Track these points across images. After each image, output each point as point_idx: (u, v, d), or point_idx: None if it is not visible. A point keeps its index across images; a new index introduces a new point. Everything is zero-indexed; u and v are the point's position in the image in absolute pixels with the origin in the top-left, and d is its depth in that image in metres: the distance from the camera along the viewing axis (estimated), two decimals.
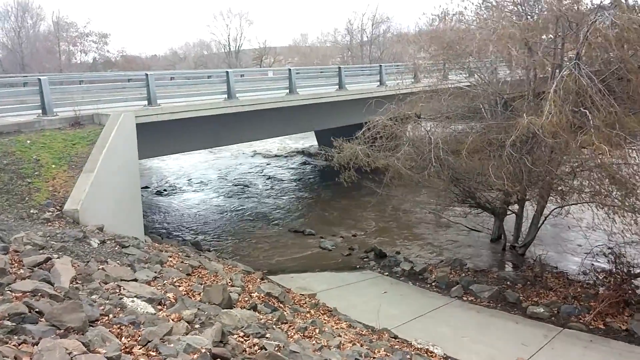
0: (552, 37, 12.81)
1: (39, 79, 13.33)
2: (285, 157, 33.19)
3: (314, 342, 7.25)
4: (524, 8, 13.66)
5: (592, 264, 12.07)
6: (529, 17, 13.37)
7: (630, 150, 10.89)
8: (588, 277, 12.03)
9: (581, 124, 10.63)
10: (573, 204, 12.34)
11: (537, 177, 11.87)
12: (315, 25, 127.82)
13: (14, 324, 4.41)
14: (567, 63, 11.49)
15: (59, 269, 6.25)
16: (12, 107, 13.26)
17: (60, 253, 7.13)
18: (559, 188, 12.37)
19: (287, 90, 19.04)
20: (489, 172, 11.34)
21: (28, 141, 11.59)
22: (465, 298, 11.77)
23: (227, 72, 17.35)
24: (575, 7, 11.97)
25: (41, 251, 6.92)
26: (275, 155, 33.77)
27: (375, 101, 14.44)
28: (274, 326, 7.25)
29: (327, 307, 10.64)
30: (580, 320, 10.32)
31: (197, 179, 27.54)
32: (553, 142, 10.49)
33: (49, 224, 9.16)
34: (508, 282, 12.28)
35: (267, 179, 26.92)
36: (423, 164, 12.86)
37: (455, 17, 14.74)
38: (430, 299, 11.75)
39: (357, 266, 14.24)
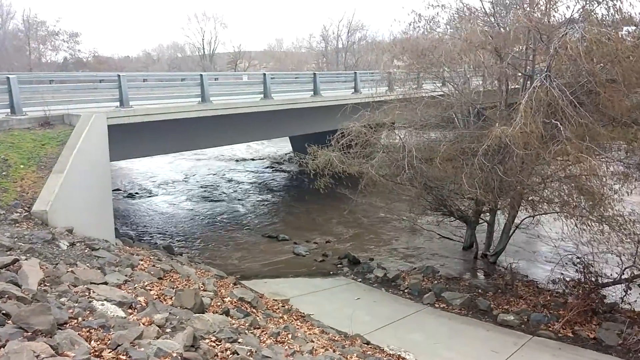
0: (523, 48, 13.09)
1: (8, 78, 12.95)
2: (258, 161, 33.12)
3: (286, 347, 7.19)
4: (495, 19, 13.93)
5: (562, 273, 12.34)
6: (500, 28, 13.63)
7: (599, 162, 11.17)
8: (557, 286, 12.28)
9: (552, 135, 10.88)
10: (543, 214, 12.59)
11: (509, 187, 12.09)
12: (291, 30, 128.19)
13: None
14: (538, 75, 11.74)
15: (27, 271, 6.07)
16: None
17: (28, 255, 6.93)
18: (530, 198, 12.62)
19: (262, 95, 18.96)
20: (462, 180, 11.50)
21: None
22: (437, 305, 11.87)
23: (201, 75, 17.19)
24: (546, 20, 12.26)
25: (8, 252, 6.71)
26: (249, 160, 33.67)
27: (350, 108, 14.50)
28: (247, 331, 7.17)
29: (300, 312, 10.60)
30: (550, 328, 10.51)
31: (168, 182, 27.24)
32: (524, 152, 10.68)
33: (17, 225, 8.88)
34: (479, 290, 12.45)
35: (239, 183, 26.78)
36: (396, 171, 12.96)
37: (427, 26, 14.90)
38: (403, 306, 11.81)
39: (331, 272, 14.24)
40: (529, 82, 12.49)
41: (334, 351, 7.82)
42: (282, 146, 36.02)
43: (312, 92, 21.14)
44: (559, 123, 10.50)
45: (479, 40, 12.20)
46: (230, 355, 5.44)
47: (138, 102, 15.43)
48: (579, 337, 10.21)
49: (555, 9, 12.38)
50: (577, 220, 11.03)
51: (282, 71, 46.30)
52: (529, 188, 12.22)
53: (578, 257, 11.62)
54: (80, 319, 5.23)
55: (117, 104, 14.60)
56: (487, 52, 12.88)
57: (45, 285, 6.04)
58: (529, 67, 12.83)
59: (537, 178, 12.33)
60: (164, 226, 19.09)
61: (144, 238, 17.12)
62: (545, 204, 12.18)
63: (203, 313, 7.15)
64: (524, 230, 14.21)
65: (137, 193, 24.52)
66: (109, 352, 4.56)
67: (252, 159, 33.89)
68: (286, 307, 10.81)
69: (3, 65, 39.69)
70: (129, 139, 15.21)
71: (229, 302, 9.00)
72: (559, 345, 9.90)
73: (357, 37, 56.34)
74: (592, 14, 11.60)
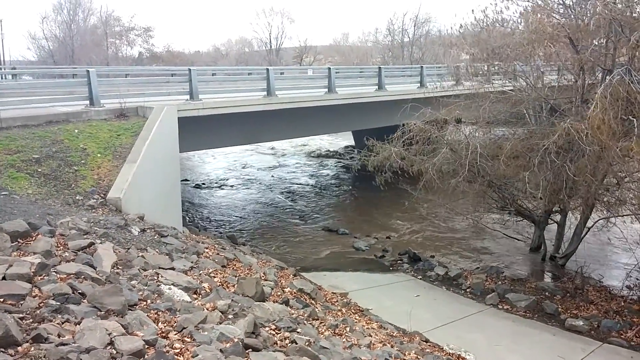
0: (603, 41, 12.41)
1: (88, 71, 13.74)
2: (320, 155, 33.31)
3: (344, 339, 7.24)
4: (573, 10, 13.27)
5: (637, 279, 11.66)
6: (578, 19, 12.98)
7: None
8: (632, 292, 11.64)
9: (626, 132, 10.27)
10: (619, 216, 11.94)
11: (580, 187, 11.52)
12: (357, 24, 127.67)
13: (58, 303, 4.58)
14: (618, 69, 11.09)
15: (101, 254, 6.44)
16: (61, 97, 13.73)
17: (102, 239, 7.33)
18: (605, 199, 11.98)
19: (326, 89, 19.06)
20: (525, 179, 11.08)
21: (76, 130, 11.97)
22: (500, 306, 11.54)
23: (267, 70, 17.51)
24: (629, 12, 11.56)
25: (85, 236, 7.13)
26: (311, 153, 33.93)
27: (415, 103, 14.29)
28: (305, 322, 7.27)
29: (359, 306, 10.61)
30: (622, 336, 9.98)
31: (232, 174, 27.98)
32: (594, 149, 10.12)
33: (93, 210, 9.43)
34: (546, 293, 11.98)
35: (301, 176, 27.08)
36: (459, 169, 12.65)
37: (498, 17, 14.38)
38: (464, 305, 11.57)
39: (390, 268, 14.15)
40: (607, 76, 11.83)
41: (392, 346, 7.79)
42: (344, 140, 36.06)
43: (377, 87, 21.00)
44: (635, 120, 9.88)
45: (553, 32, 11.67)
46: (289, 344, 5.54)
47: (207, 96, 15.91)
48: None
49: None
50: None
51: (346, 65, 46.28)
52: (604, 188, 11.60)
53: None
54: (149, 301, 5.50)
55: (187, 97, 15.13)
56: (563, 45, 12.30)
57: (117, 268, 6.39)
58: (608, 61, 12.15)
59: (613, 178, 11.68)
60: (228, 216, 19.63)
61: (209, 227, 17.68)
62: (621, 205, 11.53)
63: (264, 302, 7.31)
64: (597, 233, 13.51)
65: (203, 184, 25.36)
66: (175, 334, 4.77)
67: (315, 153, 34.16)
68: (345, 300, 10.86)
69: (83, 59, 42.02)
70: (197, 131, 15.73)
71: (289, 293, 9.16)
72: (631, 354, 9.37)
73: (424, 30, 55.39)
74: None
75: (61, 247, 6.44)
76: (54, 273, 5.40)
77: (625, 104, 10.23)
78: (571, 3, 13.10)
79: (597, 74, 12.63)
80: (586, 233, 13.12)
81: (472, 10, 14.93)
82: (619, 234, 12.72)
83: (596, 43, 12.47)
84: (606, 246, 14.99)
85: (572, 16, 13.06)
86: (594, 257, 14.35)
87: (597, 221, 12.68)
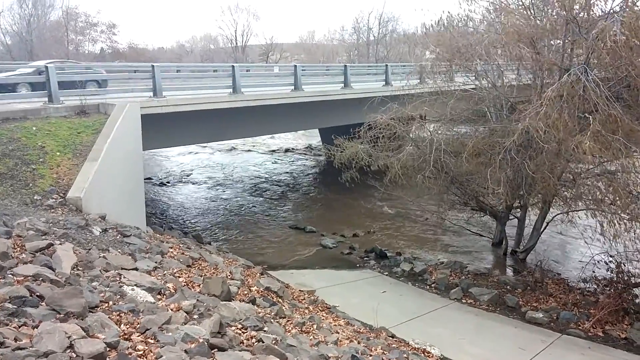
0: (560, 42, 12.75)
1: (46, 67, 13.37)
2: (287, 153, 33.26)
3: (311, 337, 7.25)
4: (533, 11, 13.61)
5: (593, 272, 12.05)
6: (537, 20, 13.30)
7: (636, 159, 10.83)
8: (588, 284, 12.01)
9: (582, 128, 10.58)
10: (575, 211, 12.32)
11: (539, 183, 11.84)
12: (323, 22, 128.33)
13: (15, 306, 4.44)
14: (575, 68, 11.42)
15: (61, 255, 6.27)
16: (19, 93, 13.32)
17: (62, 240, 7.15)
18: (563, 194, 12.34)
19: (293, 87, 19.04)
20: (487, 175, 11.32)
21: (34, 128, 11.61)
22: (464, 300, 11.76)
23: (233, 67, 17.36)
24: (585, 14, 11.90)
25: (43, 237, 6.94)
26: (278, 151, 33.85)
27: (380, 101, 14.41)
28: (272, 320, 7.26)
29: (326, 304, 10.64)
30: (579, 327, 10.31)
31: (198, 171, 27.66)
32: (553, 146, 10.40)
33: (52, 210, 9.17)
34: (508, 287, 12.28)
35: (268, 174, 26.97)
36: (423, 165, 12.82)
37: (461, 22, 14.71)
38: (429, 300, 11.74)
39: (357, 265, 14.25)
40: (566, 75, 12.17)
41: (359, 343, 7.84)
42: (311, 138, 36.13)
43: (343, 85, 21.12)
44: (590, 116, 10.18)
45: (517, 31, 11.91)
46: (256, 343, 5.52)
47: (171, 93, 15.69)
48: (610, 337, 9.99)
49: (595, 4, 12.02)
50: (609, 217, 10.73)
51: (312, 63, 46.33)
52: (561, 184, 11.95)
53: (610, 256, 11.35)
54: (111, 302, 5.39)
55: (151, 94, 14.88)
56: (523, 45, 12.58)
57: (78, 270, 6.24)
58: (566, 61, 12.50)
59: (569, 174, 12.04)
60: (193, 215, 19.40)
61: (174, 226, 17.43)
62: (577, 200, 11.90)
63: (230, 301, 7.26)
64: (555, 228, 13.93)
65: (168, 182, 24.99)
66: (138, 336, 4.69)
67: (282, 150, 34.09)
68: (312, 298, 10.87)
69: (42, 56, 40.77)
70: (161, 128, 15.49)
71: (256, 291, 9.12)
72: (588, 344, 9.71)
73: (389, 29, 55.95)
74: (635, 5, 11.18)
75: (18, 249, 6.25)
76: (10, 275, 5.24)
77: (580, 102, 10.53)
78: (530, 4, 13.41)
79: (554, 74, 12.96)
80: (545, 228, 13.51)
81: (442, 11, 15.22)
82: (577, 228, 13.12)
83: (554, 43, 12.81)
84: (565, 240, 15.46)
85: (532, 17, 13.39)
86: (553, 251, 14.81)
87: (555, 216, 13.07)
